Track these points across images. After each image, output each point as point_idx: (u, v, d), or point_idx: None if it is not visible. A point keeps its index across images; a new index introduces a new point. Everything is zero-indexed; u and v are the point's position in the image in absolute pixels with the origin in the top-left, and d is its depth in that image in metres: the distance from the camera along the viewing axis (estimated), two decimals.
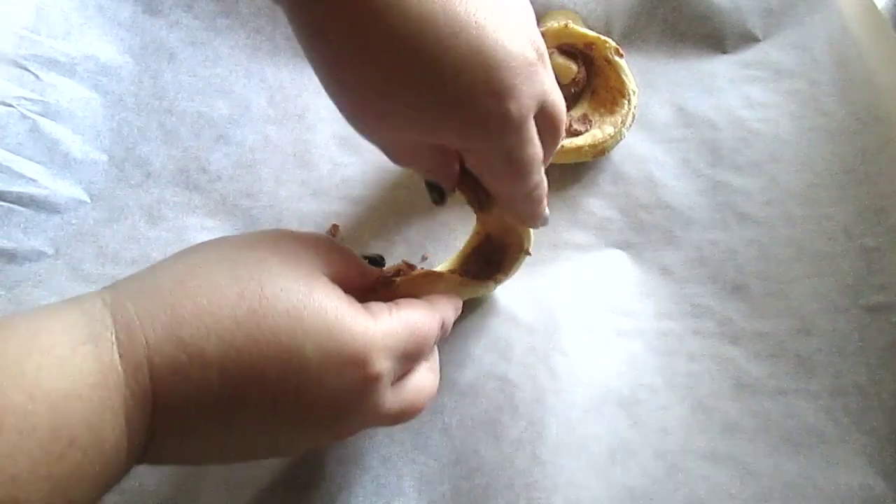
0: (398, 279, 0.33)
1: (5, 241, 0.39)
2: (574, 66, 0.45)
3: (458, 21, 0.26)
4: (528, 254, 0.37)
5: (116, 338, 0.24)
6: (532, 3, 0.45)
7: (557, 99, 0.31)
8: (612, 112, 0.44)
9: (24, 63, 0.41)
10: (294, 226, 0.42)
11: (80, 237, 0.41)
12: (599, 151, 0.43)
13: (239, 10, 0.46)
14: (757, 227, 0.42)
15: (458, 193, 0.35)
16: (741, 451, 0.37)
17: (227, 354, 0.25)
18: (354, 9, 0.25)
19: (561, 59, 0.45)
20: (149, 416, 0.24)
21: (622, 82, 0.44)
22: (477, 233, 0.38)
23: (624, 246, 0.43)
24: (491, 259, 0.37)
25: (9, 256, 0.39)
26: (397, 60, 0.26)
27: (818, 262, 0.42)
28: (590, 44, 0.44)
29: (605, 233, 0.43)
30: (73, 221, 0.41)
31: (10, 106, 0.40)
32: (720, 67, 0.47)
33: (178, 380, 0.24)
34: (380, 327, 0.28)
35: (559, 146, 0.37)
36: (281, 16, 0.46)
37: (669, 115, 0.46)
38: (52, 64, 0.42)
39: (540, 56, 0.29)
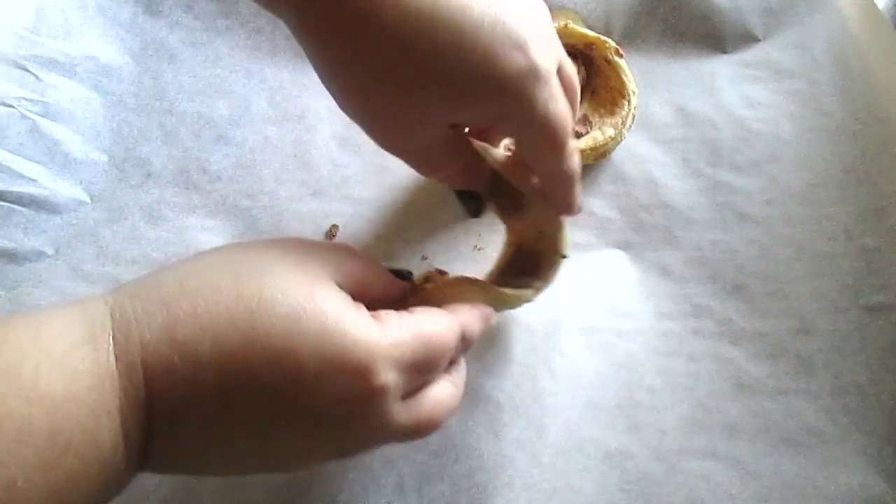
0: (428, 286, 0.32)
1: (6, 241, 0.39)
2: (574, 67, 0.45)
3: None
4: (565, 256, 0.36)
5: (113, 338, 0.24)
6: None
7: (571, 64, 0.30)
8: (612, 113, 0.44)
9: (25, 63, 0.41)
10: (294, 226, 0.42)
11: (80, 237, 0.41)
12: (601, 154, 0.43)
13: (239, 11, 0.46)
14: (757, 227, 0.42)
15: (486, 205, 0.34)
16: (741, 452, 0.37)
17: (222, 356, 0.24)
18: (361, 8, 0.25)
19: None
20: (144, 418, 0.24)
21: (622, 83, 0.44)
22: (509, 244, 0.37)
23: (624, 246, 0.43)
24: (526, 269, 0.36)
25: (9, 256, 0.39)
26: (418, 34, 0.25)
27: (818, 262, 0.41)
28: (590, 44, 0.44)
29: (605, 233, 0.43)
30: (74, 221, 0.41)
31: (11, 106, 0.40)
32: (720, 67, 0.47)
33: (172, 381, 0.24)
34: (387, 336, 0.26)
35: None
36: None
37: (669, 115, 0.46)
38: (52, 64, 0.42)
39: (547, 24, 0.29)
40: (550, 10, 0.46)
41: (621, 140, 0.44)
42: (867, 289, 0.41)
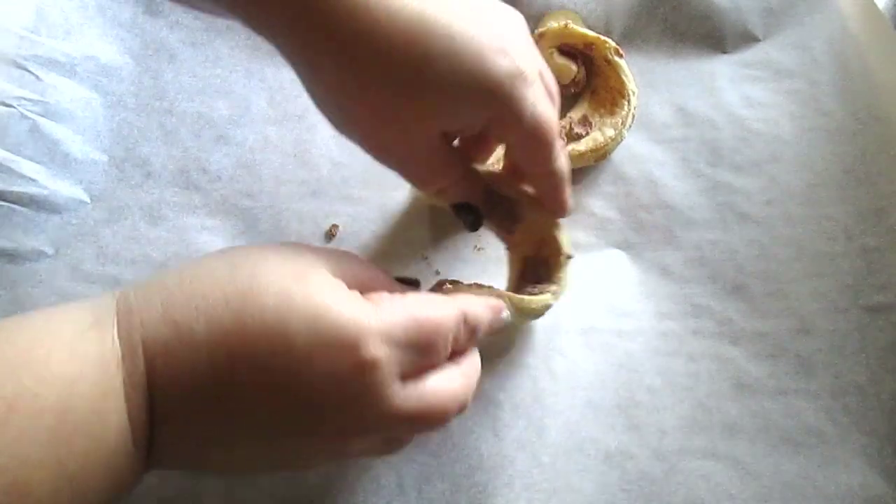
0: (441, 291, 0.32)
1: (5, 241, 0.39)
2: (574, 67, 0.45)
3: (450, 2, 0.27)
4: (570, 256, 0.37)
5: (117, 322, 0.25)
6: (532, 2, 0.46)
7: (549, 72, 0.32)
8: (611, 113, 0.44)
9: (25, 63, 0.41)
10: (294, 225, 0.42)
11: (80, 237, 0.41)
12: (601, 155, 0.44)
13: None
14: (757, 227, 0.42)
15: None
16: (741, 452, 0.37)
17: (215, 334, 0.25)
18: (352, 15, 0.26)
19: (561, 60, 0.45)
20: (146, 396, 0.24)
21: (622, 83, 0.44)
22: (514, 262, 0.38)
23: (624, 246, 0.43)
24: (540, 278, 0.36)
25: (9, 256, 0.39)
26: (409, 43, 0.26)
27: (818, 262, 0.42)
28: (589, 44, 0.44)
29: (605, 233, 0.43)
30: (74, 221, 0.41)
31: (11, 106, 0.40)
32: (720, 67, 0.47)
33: (170, 359, 0.24)
34: (378, 313, 0.26)
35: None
36: None
37: (669, 115, 0.46)
38: (52, 64, 0.42)
39: (525, 35, 0.31)
40: (550, 10, 0.47)
41: (621, 140, 0.44)
42: (867, 289, 0.41)
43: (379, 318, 0.26)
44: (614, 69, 0.44)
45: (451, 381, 0.28)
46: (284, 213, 0.43)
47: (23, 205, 0.40)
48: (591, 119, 0.44)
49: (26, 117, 0.41)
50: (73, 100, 0.42)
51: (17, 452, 0.21)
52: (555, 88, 0.32)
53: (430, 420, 0.27)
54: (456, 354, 0.29)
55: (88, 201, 0.42)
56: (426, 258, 0.42)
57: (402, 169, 0.31)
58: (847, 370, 0.39)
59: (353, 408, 0.26)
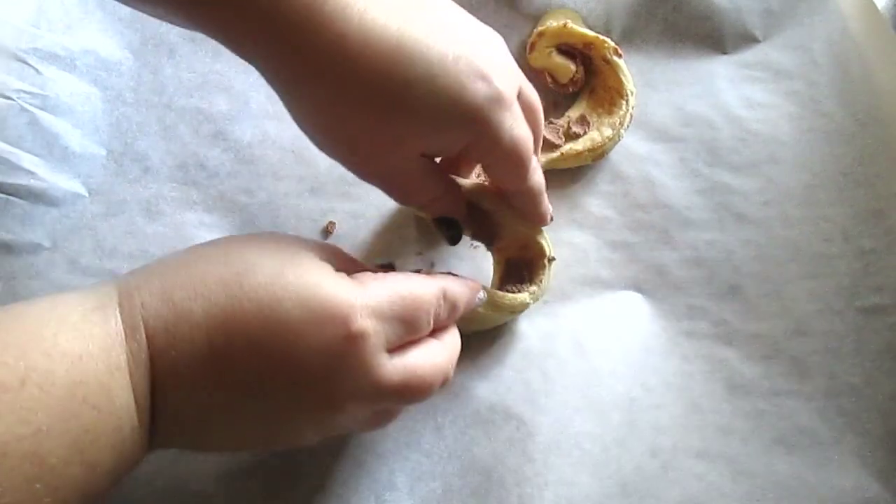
0: None
1: (3, 233, 0.39)
2: (572, 66, 0.45)
3: (428, 26, 0.28)
4: (552, 259, 0.38)
5: (119, 304, 0.26)
6: (532, 2, 0.46)
7: (530, 86, 0.33)
8: (610, 113, 0.44)
9: (24, 57, 0.42)
10: (291, 222, 0.42)
11: (77, 231, 0.41)
12: (599, 155, 0.44)
13: None
14: (754, 228, 0.42)
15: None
16: (734, 451, 0.37)
17: (212, 313, 0.26)
18: (331, 42, 0.27)
19: (559, 59, 0.45)
20: (149, 374, 0.26)
21: (620, 82, 0.44)
22: (498, 262, 0.39)
23: (621, 246, 0.43)
24: (523, 279, 0.38)
25: (6, 248, 0.39)
26: (388, 70, 0.27)
27: (815, 264, 0.41)
28: (588, 44, 0.44)
29: (602, 232, 0.43)
30: (71, 215, 0.41)
31: (10, 99, 0.41)
32: (720, 68, 0.47)
33: (170, 338, 0.26)
34: (364, 289, 0.28)
35: (555, 154, 0.41)
36: None
37: (668, 115, 0.46)
38: (52, 58, 0.42)
39: (504, 52, 0.31)
40: (550, 9, 0.47)
41: (619, 140, 0.44)
42: (863, 290, 0.41)
43: (365, 293, 0.27)
44: (613, 69, 0.44)
45: (435, 354, 0.30)
46: (282, 209, 0.43)
47: (21, 197, 0.40)
48: (589, 118, 0.44)
49: (25, 110, 0.41)
50: (72, 94, 0.42)
51: (31, 421, 0.22)
52: (536, 103, 0.33)
53: (415, 391, 0.29)
54: (437, 331, 0.31)
55: (86, 195, 0.42)
56: (422, 255, 0.42)
57: (383, 186, 0.33)
58: (842, 371, 0.39)
59: (343, 378, 0.27)
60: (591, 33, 0.44)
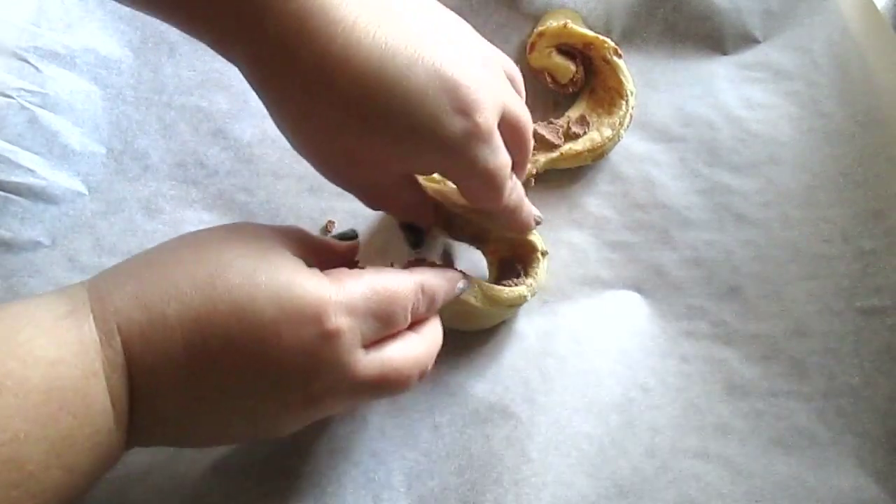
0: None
1: (3, 231, 0.39)
2: (572, 66, 0.45)
3: (412, 49, 0.28)
4: (545, 253, 0.38)
5: (92, 309, 0.26)
6: (532, 2, 0.46)
7: (516, 106, 0.33)
8: (609, 113, 0.44)
9: (25, 55, 0.42)
10: (290, 221, 0.42)
11: (77, 228, 0.41)
12: (598, 155, 0.44)
13: None
14: (753, 229, 0.42)
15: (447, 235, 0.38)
16: (732, 452, 0.37)
17: (187, 316, 0.26)
18: (312, 56, 0.27)
19: (559, 59, 0.45)
20: (126, 379, 0.26)
21: (620, 83, 0.44)
22: (491, 263, 0.39)
23: (620, 246, 0.43)
24: (518, 274, 0.38)
25: (6, 246, 0.39)
26: (366, 97, 0.27)
27: (814, 264, 0.41)
28: (588, 44, 0.44)
29: (601, 232, 0.43)
30: (71, 213, 0.41)
31: (10, 97, 0.41)
32: (720, 68, 0.47)
33: (146, 343, 0.26)
34: (338, 286, 0.28)
35: (555, 154, 0.41)
36: None
37: (668, 115, 0.46)
38: (52, 56, 0.42)
39: (490, 70, 0.31)
40: (550, 9, 0.47)
41: (619, 140, 0.44)
42: (863, 291, 0.40)
43: (340, 290, 0.28)
44: (613, 69, 0.44)
45: (412, 348, 0.30)
46: (281, 208, 0.43)
47: (20, 195, 0.40)
48: (588, 119, 0.44)
49: (25, 108, 0.41)
50: (72, 92, 0.42)
51: (9, 428, 0.22)
52: (522, 120, 0.33)
53: (393, 385, 0.29)
54: (417, 323, 0.31)
55: (86, 193, 0.42)
56: (420, 252, 0.42)
57: (354, 193, 0.33)
58: (841, 372, 0.39)
59: (319, 375, 0.27)
60: (591, 33, 0.44)
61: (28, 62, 0.42)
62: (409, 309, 0.30)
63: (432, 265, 0.35)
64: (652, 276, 0.42)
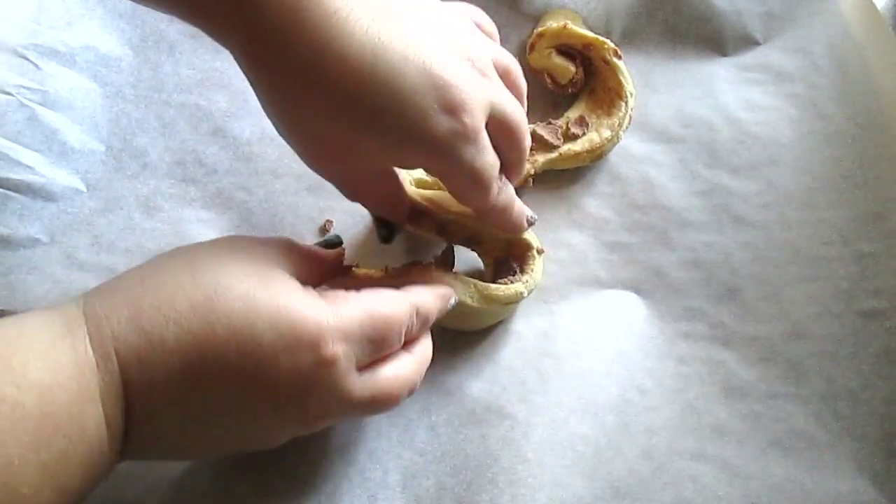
0: (416, 275, 0.35)
1: (1, 228, 0.39)
2: (572, 67, 0.45)
3: (405, 45, 0.28)
4: (541, 251, 0.39)
5: (88, 332, 0.26)
6: (532, 2, 0.46)
7: (506, 105, 0.32)
8: (609, 114, 0.44)
9: (25, 52, 0.42)
10: (289, 220, 0.42)
11: (75, 226, 0.41)
12: (597, 156, 0.44)
13: None
14: (753, 230, 0.42)
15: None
16: (729, 454, 0.37)
17: (185, 340, 0.26)
18: (307, 46, 0.27)
19: (559, 60, 0.45)
20: (123, 402, 0.26)
21: (620, 84, 0.44)
22: (487, 264, 0.39)
23: (619, 247, 0.43)
24: (514, 272, 0.38)
25: (4, 243, 0.39)
26: (358, 91, 0.28)
27: (813, 267, 0.41)
28: (588, 45, 0.44)
29: (600, 233, 0.43)
30: (69, 210, 0.41)
31: (10, 94, 0.41)
32: (720, 70, 0.47)
33: (144, 367, 0.26)
34: (335, 312, 0.28)
35: (554, 154, 0.41)
36: None
37: (668, 117, 0.45)
38: (52, 54, 0.42)
39: (479, 69, 0.31)
40: (550, 9, 0.47)
41: (618, 141, 0.44)
42: (861, 294, 0.40)
43: (336, 316, 0.28)
44: (613, 70, 0.44)
45: (404, 367, 0.31)
46: (280, 207, 0.43)
47: (19, 192, 0.40)
48: (588, 119, 0.44)
49: (25, 106, 0.41)
50: (71, 89, 0.43)
51: (3, 454, 0.22)
52: (514, 122, 0.33)
53: (383, 404, 0.30)
54: (409, 342, 0.32)
55: (85, 190, 0.42)
56: (416, 253, 0.42)
57: (334, 183, 0.33)
58: (839, 375, 0.39)
59: (314, 399, 0.28)
60: (590, 34, 0.44)
61: (28, 59, 0.42)
62: (403, 332, 0.31)
63: (428, 267, 0.36)
64: (650, 278, 0.42)
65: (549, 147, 0.43)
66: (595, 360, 0.39)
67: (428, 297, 0.33)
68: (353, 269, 0.35)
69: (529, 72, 0.46)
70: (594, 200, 0.44)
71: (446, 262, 0.39)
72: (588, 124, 0.44)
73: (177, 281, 0.27)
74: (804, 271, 0.41)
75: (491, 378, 0.38)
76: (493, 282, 0.37)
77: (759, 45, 0.47)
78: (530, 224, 0.37)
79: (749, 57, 0.47)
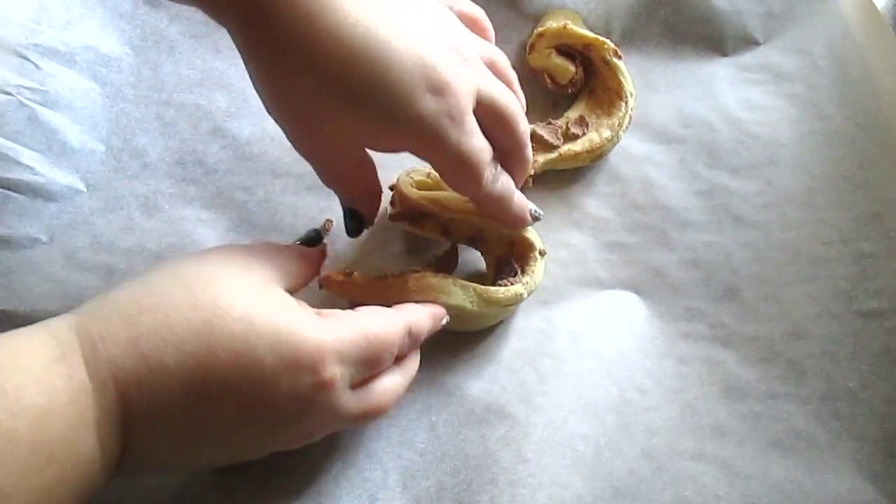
0: (413, 281, 0.35)
1: (1, 228, 0.39)
2: (572, 67, 0.45)
3: (396, 27, 0.28)
4: (543, 253, 0.38)
5: (83, 356, 0.25)
6: (532, 2, 0.46)
7: (495, 91, 0.33)
8: (609, 114, 0.44)
9: (25, 52, 0.42)
10: (288, 219, 0.42)
11: (75, 226, 0.41)
12: (597, 156, 0.44)
13: None
14: (752, 230, 0.42)
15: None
16: (729, 454, 0.37)
17: (185, 363, 0.26)
18: (300, 21, 0.27)
19: (559, 60, 0.45)
20: (120, 429, 0.26)
21: (620, 84, 0.44)
22: (489, 264, 0.39)
23: (619, 247, 0.43)
24: (515, 273, 0.38)
25: (4, 243, 0.39)
26: (347, 68, 0.28)
27: (813, 267, 0.41)
28: (588, 45, 0.44)
29: (600, 233, 0.43)
30: (69, 210, 0.41)
31: (10, 94, 0.41)
32: (720, 70, 0.47)
33: (144, 392, 0.26)
34: (333, 334, 0.29)
35: (554, 155, 0.41)
36: None
37: (668, 117, 0.46)
38: (52, 54, 0.42)
39: (465, 57, 0.32)
40: (550, 9, 0.47)
41: (618, 141, 0.44)
42: (861, 294, 0.40)
43: (334, 335, 0.29)
44: (612, 70, 0.44)
45: (393, 382, 0.32)
46: (280, 207, 0.43)
47: (19, 192, 0.40)
48: (588, 119, 0.44)
49: (25, 106, 0.41)
50: (71, 89, 0.43)
51: None
52: (507, 110, 0.33)
53: (372, 417, 0.32)
54: (399, 358, 0.33)
55: (84, 190, 0.42)
56: (417, 253, 0.42)
57: (316, 166, 0.34)
58: (839, 375, 0.39)
59: (310, 418, 0.29)
60: (590, 34, 0.44)
61: (28, 59, 0.42)
62: (395, 352, 0.31)
63: (426, 273, 0.36)
64: (650, 278, 0.42)
65: (549, 147, 0.43)
66: (595, 360, 0.39)
67: (421, 316, 0.33)
68: (353, 275, 0.35)
69: (529, 72, 0.46)
70: (594, 200, 0.44)
71: (448, 263, 0.39)
72: (588, 124, 0.44)
73: (173, 301, 0.27)
74: (804, 271, 0.41)
75: (491, 378, 0.38)
76: (494, 281, 0.37)
77: (759, 45, 0.47)
78: (535, 219, 0.37)
79: (749, 57, 0.47)
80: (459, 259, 0.41)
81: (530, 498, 0.35)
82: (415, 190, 0.39)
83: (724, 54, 0.47)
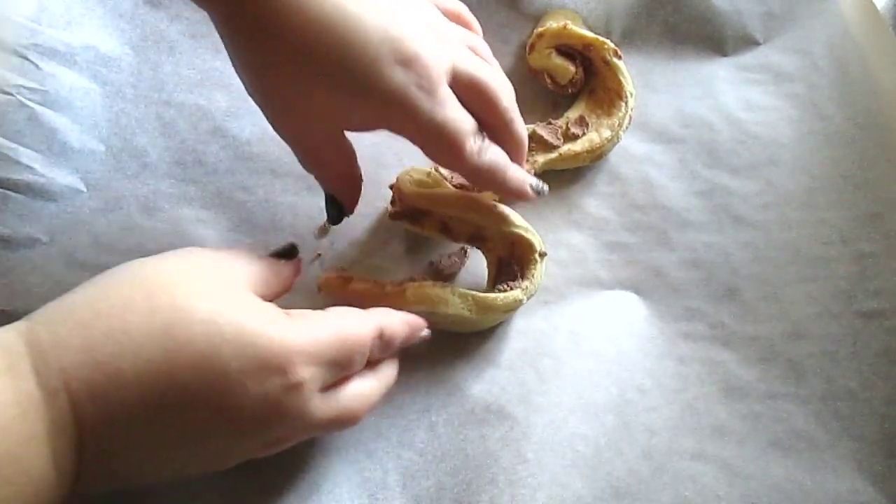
0: (409, 290, 0.35)
1: (1, 228, 0.39)
2: (572, 67, 0.45)
3: (369, 3, 0.29)
4: (544, 254, 0.38)
5: (33, 366, 0.24)
6: (532, 2, 0.46)
7: (471, 65, 0.32)
8: (609, 114, 0.44)
9: (25, 52, 0.42)
10: (288, 220, 0.42)
11: (75, 226, 0.41)
12: (597, 156, 0.44)
13: None
14: (752, 230, 0.42)
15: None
16: (729, 454, 0.37)
17: (144, 370, 0.24)
18: (269, 6, 0.27)
19: (559, 60, 0.45)
20: (74, 441, 0.24)
21: (620, 84, 0.44)
22: (490, 263, 0.39)
23: (619, 247, 0.43)
24: (515, 275, 0.38)
25: (4, 243, 0.39)
26: (317, 42, 0.28)
27: (813, 267, 0.41)
28: (588, 45, 0.44)
29: (600, 233, 0.43)
30: (69, 210, 0.41)
31: (10, 94, 0.41)
32: (720, 70, 0.47)
33: (98, 401, 0.24)
34: (302, 334, 0.28)
35: (554, 155, 0.41)
36: None
37: (668, 117, 0.46)
38: (52, 54, 0.42)
39: (438, 33, 0.31)
40: (550, 9, 0.46)
41: (618, 141, 0.44)
42: (861, 294, 0.40)
43: (303, 337, 0.27)
44: (612, 70, 0.44)
45: (366, 387, 0.31)
46: (279, 207, 0.43)
47: (19, 192, 0.40)
48: (588, 119, 0.44)
49: (25, 105, 0.41)
50: (71, 89, 0.42)
51: None
52: (483, 83, 0.32)
53: (344, 423, 0.30)
54: (374, 362, 0.32)
55: (84, 190, 0.42)
56: (417, 252, 0.42)
57: (295, 147, 0.34)
58: (839, 375, 0.39)
59: (279, 424, 0.28)
60: (590, 35, 0.44)
61: (28, 59, 0.42)
62: (367, 354, 0.31)
63: (423, 282, 0.36)
64: (650, 278, 0.42)
65: (549, 147, 0.43)
66: (595, 360, 0.39)
67: (394, 321, 0.32)
68: (352, 282, 0.36)
69: (529, 72, 0.46)
70: (594, 200, 0.44)
71: (454, 264, 0.39)
72: (588, 124, 0.44)
73: (130, 306, 0.25)
74: (804, 271, 0.41)
75: (491, 378, 0.38)
76: (494, 282, 0.37)
77: (759, 45, 0.47)
78: (537, 193, 0.36)
79: (749, 57, 0.47)
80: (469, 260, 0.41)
81: (530, 498, 0.35)
82: (414, 188, 0.39)
83: (724, 54, 0.47)
